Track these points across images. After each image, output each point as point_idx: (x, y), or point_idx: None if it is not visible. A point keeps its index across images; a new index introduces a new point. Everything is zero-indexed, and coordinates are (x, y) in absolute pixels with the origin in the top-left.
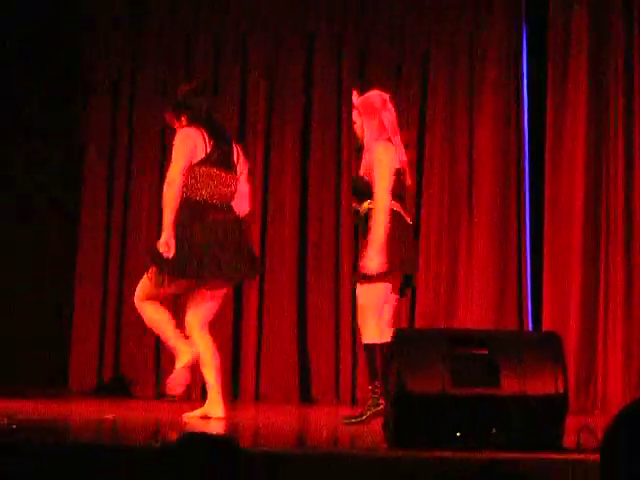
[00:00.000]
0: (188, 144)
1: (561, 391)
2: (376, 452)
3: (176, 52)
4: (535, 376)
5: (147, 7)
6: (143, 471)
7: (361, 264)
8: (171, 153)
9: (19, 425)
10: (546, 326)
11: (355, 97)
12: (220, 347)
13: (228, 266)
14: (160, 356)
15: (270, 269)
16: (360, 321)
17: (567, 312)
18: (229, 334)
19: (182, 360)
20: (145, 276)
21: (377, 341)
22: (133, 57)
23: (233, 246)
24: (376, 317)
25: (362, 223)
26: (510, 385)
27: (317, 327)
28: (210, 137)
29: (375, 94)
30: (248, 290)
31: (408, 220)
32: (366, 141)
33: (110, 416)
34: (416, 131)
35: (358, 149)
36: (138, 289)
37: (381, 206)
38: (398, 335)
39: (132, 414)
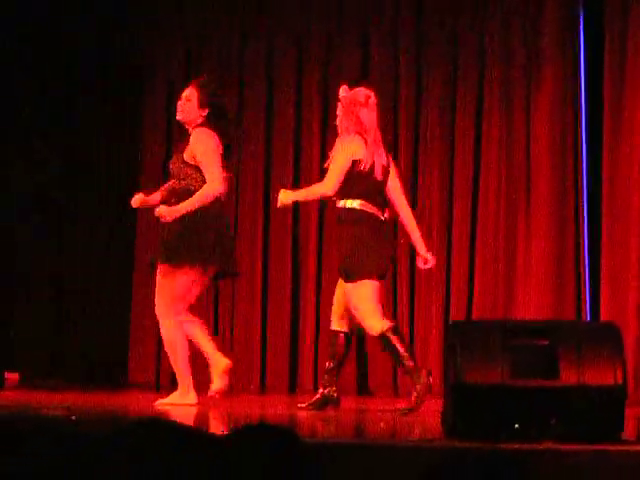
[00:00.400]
0: (218, 145)
1: (620, 382)
2: (434, 443)
3: (231, 52)
4: (594, 367)
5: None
6: (203, 461)
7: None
8: (180, 147)
9: (79, 416)
10: (604, 317)
11: (343, 91)
12: (278, 342)
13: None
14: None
15: (327, 262)
16: (359, 318)
17: (625, 302)
18: (287, 329)
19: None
20: (173, 278)
21: (385, 327)
22: (189, 58)
23: None
24: (372, 309)
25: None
26: (569, 376)
27: None
28: (221, 139)
29: (361, 90)
30: (305, 282)
31: (381, 217)
32: (340, 133)
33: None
34: (473, 119)
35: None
36: (165, 297)
37: (318, 189)
38: (456, 326)
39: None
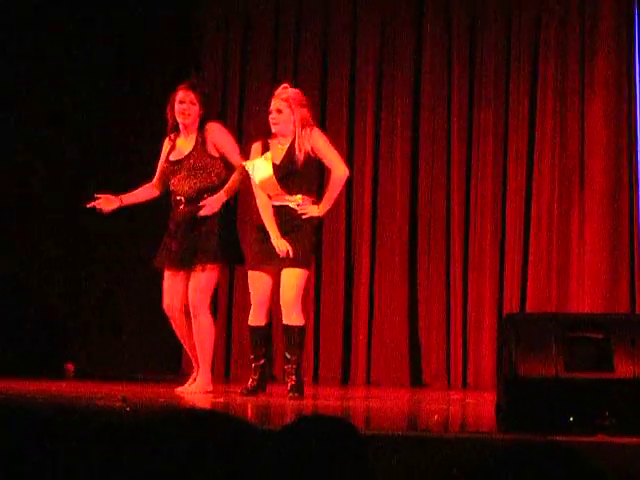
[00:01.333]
0: None
1: None
2: (487, 436)
3: (285, 40)
4: None
5: None
6: (259, 453)
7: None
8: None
9: (132, 407)
10: None
11: (286, 90)
12: (332, 332)
13: None
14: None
15: (381, 253)
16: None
17: None
18: (340, 319)
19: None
20: (211, 274)
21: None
22: (242, 53)
23: None
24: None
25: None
26: (623, 368)
27: (427, 312)
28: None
29: (299, 91)
30: (359, 274)
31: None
32: (295, 128)
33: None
34: (526, 113)
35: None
36: (202, 291)
37: (339, 176)
38: (511, 319)
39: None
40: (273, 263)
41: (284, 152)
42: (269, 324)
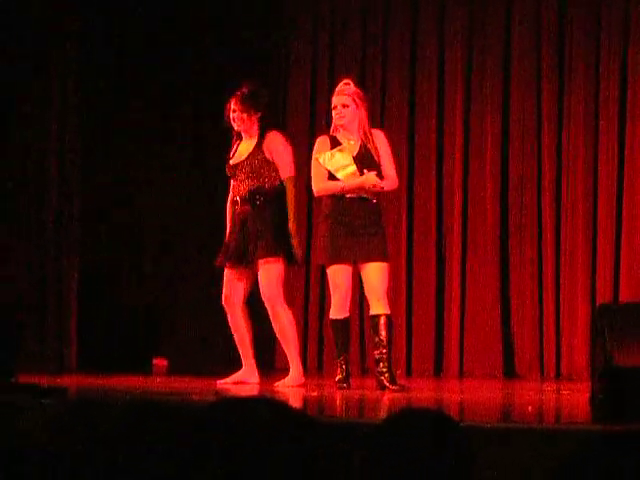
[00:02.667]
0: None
1: None
2: (582, 427)
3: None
4: None
5: None
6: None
7: None
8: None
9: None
10: None
11: (349, 86)
12: (424, 324)
13: None
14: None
15: (472, 245)
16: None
17: None
18: (432, 311)
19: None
20: (278, 267)
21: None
22: (331, 41)
23: None
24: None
25: None
26: None
27: (520, 303)
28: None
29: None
30: (450, 267)
31: None
32: (361, 123)
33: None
34: (617, 110)
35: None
36: (274, 285)
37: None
38: (605, 309)
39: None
40: (356, 257)
41: (358, 146)
42: (349, 318)
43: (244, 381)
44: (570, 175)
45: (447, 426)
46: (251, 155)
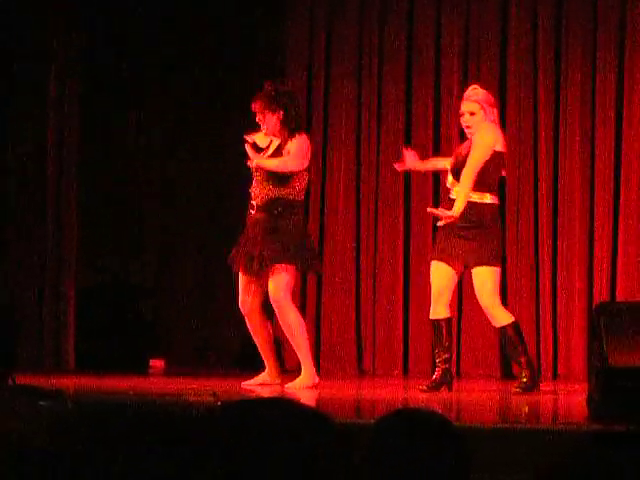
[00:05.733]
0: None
1: None
2: (579, 426)
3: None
4: None
5: None
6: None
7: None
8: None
9: (224, 402)
10: None
11: (476, 91)
12: (421, 325)
13: None
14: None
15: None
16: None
17: None
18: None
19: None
20: (287, 273)
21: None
22: (328, 39)
23: None
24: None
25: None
26: None
27: (517, 303)
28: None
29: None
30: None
31: None
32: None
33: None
34: (613, 105)
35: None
36: (282, 289)
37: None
38: (602, 308)
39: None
40: (458, 259)
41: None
42: (446, 319)
43: (266, 383)
44: (566, 175)
45: (441, 426)
46: (272, 156)
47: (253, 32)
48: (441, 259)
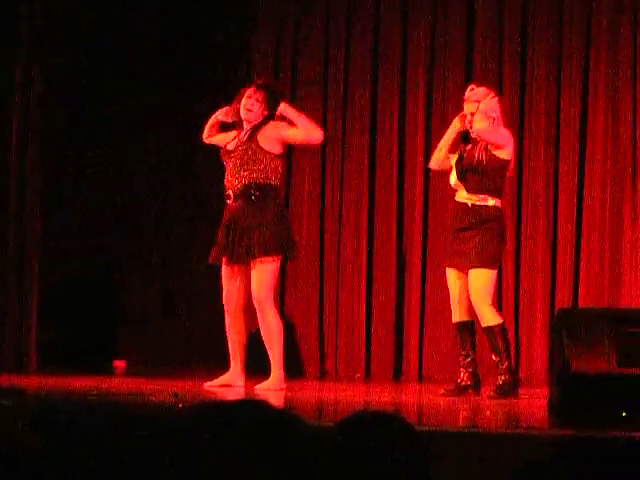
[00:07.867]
0: None
1: None
2: (540, 432)
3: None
4: None
5: None
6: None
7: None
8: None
9: (185, 404)
10: None
11: (475, 90)
12: (383, 330)
13: None
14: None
15: (433, 250)
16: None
17: None
18: (392, 315)
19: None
20: (272, 267)
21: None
22: (297, 26)
23: None
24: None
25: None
26: None
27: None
28: None
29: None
30: (410, 272)
31: None
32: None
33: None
34: (579, 108)
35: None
36: (266, 287)
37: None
38: (563, 314)
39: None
40: (461, 263)
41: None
42: (465, 322)
43: (230, 384)
44: (530, 181)
45: (399, 428)
46: (245, 143)
47: (221, 42)
48: (450, 265)
